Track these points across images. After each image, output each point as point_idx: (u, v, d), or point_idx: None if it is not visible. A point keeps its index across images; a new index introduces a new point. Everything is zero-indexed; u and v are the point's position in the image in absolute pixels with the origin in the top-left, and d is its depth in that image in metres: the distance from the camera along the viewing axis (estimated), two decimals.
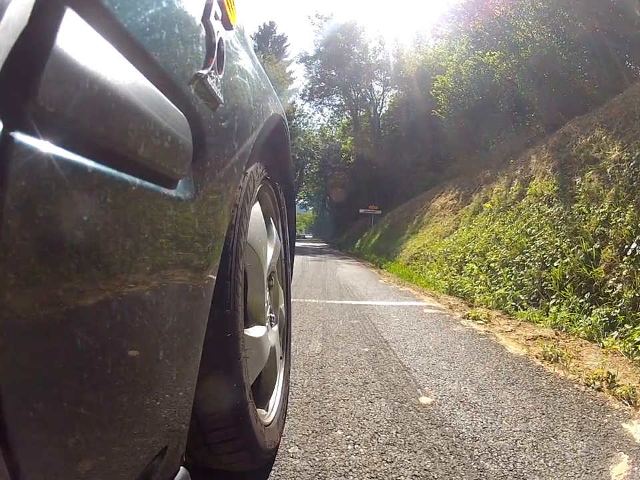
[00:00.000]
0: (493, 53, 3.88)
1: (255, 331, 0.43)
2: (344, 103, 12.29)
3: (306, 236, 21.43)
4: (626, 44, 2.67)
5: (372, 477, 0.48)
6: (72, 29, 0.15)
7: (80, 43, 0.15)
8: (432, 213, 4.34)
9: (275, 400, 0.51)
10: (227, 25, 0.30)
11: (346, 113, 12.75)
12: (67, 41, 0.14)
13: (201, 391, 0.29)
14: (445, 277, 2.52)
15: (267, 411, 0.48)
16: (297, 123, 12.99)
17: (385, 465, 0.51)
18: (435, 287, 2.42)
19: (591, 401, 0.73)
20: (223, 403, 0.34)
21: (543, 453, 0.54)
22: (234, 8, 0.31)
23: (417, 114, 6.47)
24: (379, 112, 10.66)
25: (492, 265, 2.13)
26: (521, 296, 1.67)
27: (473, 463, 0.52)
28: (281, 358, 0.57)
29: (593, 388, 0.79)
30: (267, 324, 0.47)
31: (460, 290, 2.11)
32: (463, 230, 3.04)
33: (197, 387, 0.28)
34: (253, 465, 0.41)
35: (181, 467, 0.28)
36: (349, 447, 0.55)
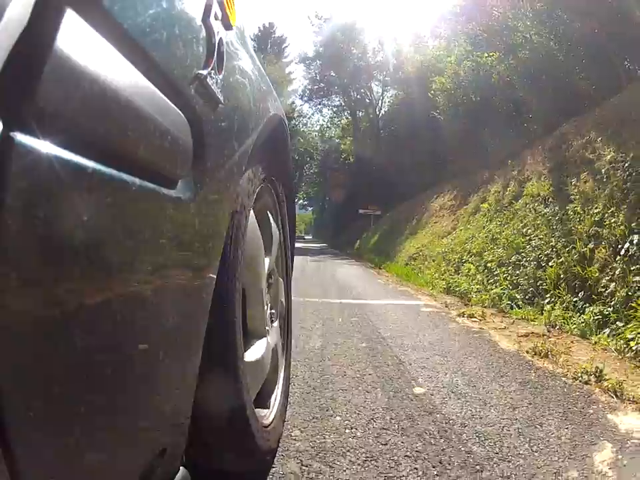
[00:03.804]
0: (491, 54, 3.87)
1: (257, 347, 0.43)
2: (343, 104, 12.22)
3: (305, 237, 21.11)
4: (624, 44, 2.67)
5: (367, 457, 0.50)
6: (72, 29, 0.15)
7: (80, 43, 0.15)
8: (431, 213, 4.32)
9: (274, 401, 0.50)
10: (227, 26, 0.30)
11: (345, 114, 12.66)
12: (67, 41, 0.14)
13: (198, 391, 0.29)
14: (443, 276, 2.52)
15: (266, 411, 0.47)
16: (297, 123, 12.86)
17: (380, 446, 0.53)
18: (432, 286, 2.42)
19: (578, 393, 0.74)
20: (221, 403, 0.34)
21: (528, 439, 0.56)
22: (234, 8, 0.31)
23: (416, 115, 6.25)
24: (378, 113, 10.57)
25: (489, 264, 2.14)
26: (516, 295, 1.69)
27: (461, 446, 0.54)
28: (281, 358, 0.57)
29: (580, 381, 0.80)
30: (266, 327, 0.47)
31: (457, 289, 2.12)
32: (461, 230, 3.04)
33: (195, 388, 0.28)
34: (251, 466, 0.41)
35: (181, 467, 0.28)
36: (347, 430, 0.57)
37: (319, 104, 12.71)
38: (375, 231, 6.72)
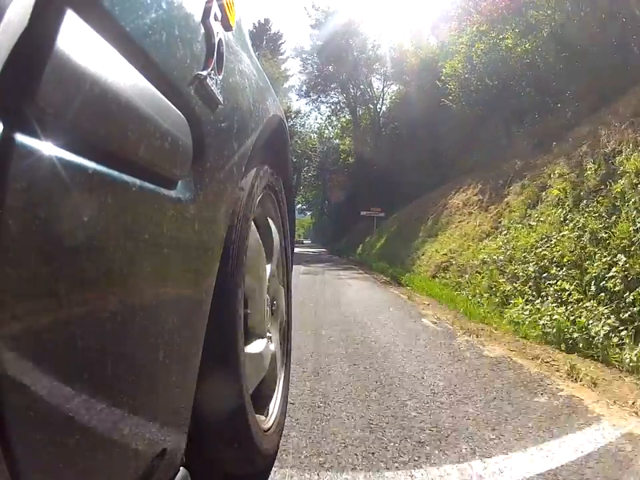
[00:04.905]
0: (508, 35, 3.36)
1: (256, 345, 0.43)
2: (342, 100, 11.55)
3: (304, 241, 20.38)
4: None
5: None
6: (72, 30, 0.15)
7: (80, 44, 0.15)
8: (451, 211, 3.53)
9: (274, 406, 0.50)
10: (227, 26, 0.30)
11: (344, 111, 12.03)
12: (67, 42, 0.14)
13: (199, 394, 0.29)
14: (521, 304, 1.41)
15: (266, 416, 0.47)
16: (294, 124, 12.37)
17: None
18: (520, 327, 1.27)
19: None
20: (221, 407, 0.34)
21: None
22: (233, 9, 0.31)
23: (421, 108, 5.66)
24: (379, 110, 10.03)
25: (608, 284, 1.12)
26: None
27: None
28: (281, 363, 0.57)
29: None
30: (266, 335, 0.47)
31: (580, 337, 1.03)
32: (518, 229, 2.00)
33: (196, 390, 0.28)
34: (252, 469, 0.42)
35: (181, 468, 0.28)
36: None
37: (317, 99, 12.01)
38: (380, 234, 5.98)
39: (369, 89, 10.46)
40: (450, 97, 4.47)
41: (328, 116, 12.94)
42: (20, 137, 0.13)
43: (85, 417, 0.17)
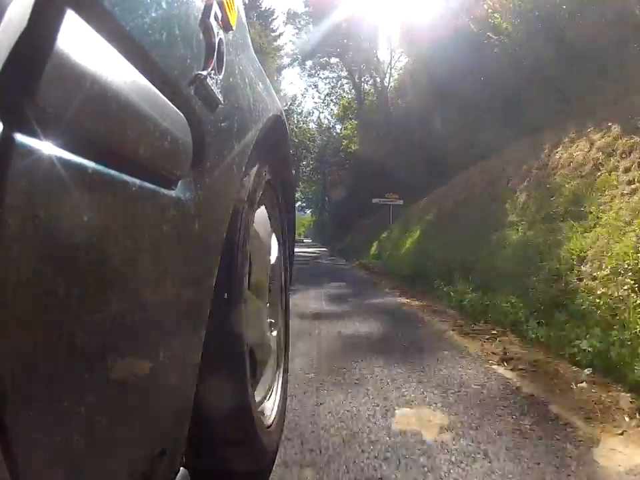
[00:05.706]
0: None
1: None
2: (344, 75, 10.04)
3: (304, 240, 19.35)
4: None
5: None
6: (72, 29, 0.15)
7: (80, 43, 0.15)
8: (580, 172, 1.63)
9: (274, 403, 0.51)
10: (227, 26, 0.30)
11: (345, 89, 10.57)
12: (67, 41, 0.14)
13: (202, 392, 0.29)
14: None
15: (267, 413, 0.48)
16: (290, 111, 11.28)
17: None
18: None
19: None
20: (227, 404, 0.34)
21: None
22: (234, 8, 0.31)
23: (442, 68, 4.11)
24: (387, 85, 8.37)
25: None
26: None
27: None
28: (280, 362, 0.57)
29: None
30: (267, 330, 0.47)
31: None
32: None
33: (200, 388, 0.28)
34: (255, 466, 0.42)
35: (181, 468, 0.28)
36: None
37: (315, 73, 10.50)
38: (405, 226, 3.97)
39: (375, 58, 8.74)
40: (499, 30, 3.10)
41: (327, 94, 11.36)
42: (20, 137, 0.13)
43: (85, 417, 0.17)
